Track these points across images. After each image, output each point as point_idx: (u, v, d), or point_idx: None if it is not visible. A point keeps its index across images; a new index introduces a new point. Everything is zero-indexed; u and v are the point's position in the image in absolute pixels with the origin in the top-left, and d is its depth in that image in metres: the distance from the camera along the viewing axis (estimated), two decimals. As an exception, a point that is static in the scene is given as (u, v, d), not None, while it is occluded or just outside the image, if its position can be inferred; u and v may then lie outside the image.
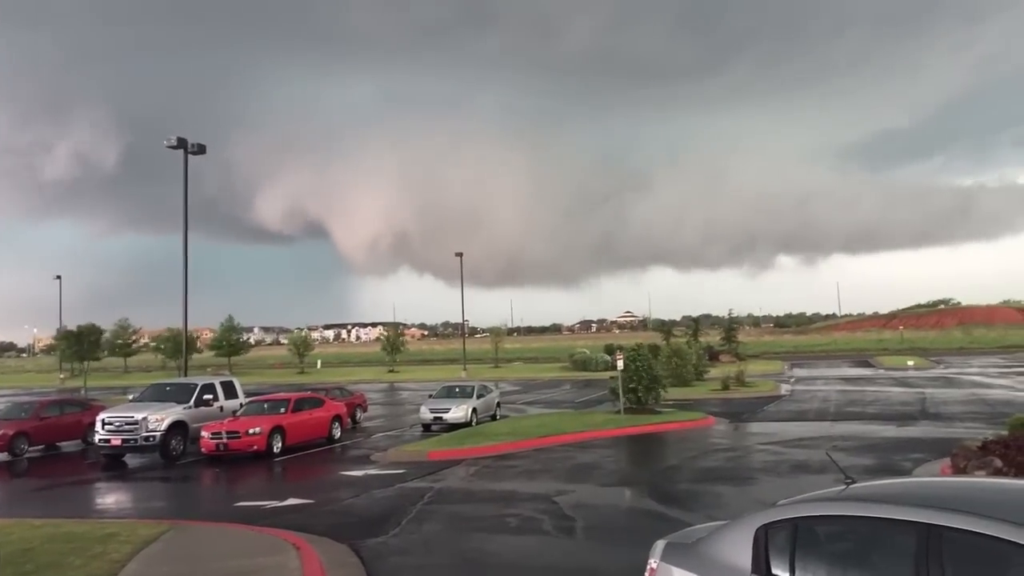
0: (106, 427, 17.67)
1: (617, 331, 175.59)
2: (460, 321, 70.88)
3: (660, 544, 4.65)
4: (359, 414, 25.41)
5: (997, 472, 10.28)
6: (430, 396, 24.13)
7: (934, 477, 9.71)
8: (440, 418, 21.89)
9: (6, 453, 19.32)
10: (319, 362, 73.99)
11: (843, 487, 4.07)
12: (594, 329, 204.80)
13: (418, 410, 23.49)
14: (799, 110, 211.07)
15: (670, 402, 25.76)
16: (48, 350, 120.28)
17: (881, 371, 46.16)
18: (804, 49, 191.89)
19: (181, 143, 22.97)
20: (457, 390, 24.36)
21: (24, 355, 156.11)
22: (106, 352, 75.32)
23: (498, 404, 25.27)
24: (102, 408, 20.44)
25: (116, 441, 17.51)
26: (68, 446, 21.19)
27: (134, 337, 79.91)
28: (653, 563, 4.52)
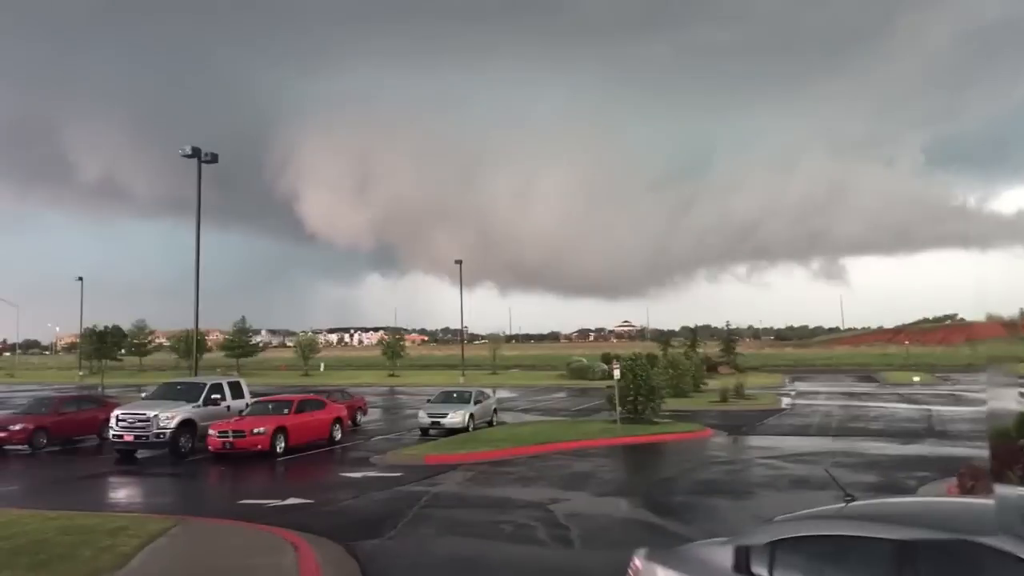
0: (119, 423, 18.04)
1: (615, 340, 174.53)
2: (460, 327, 71.06)
3: (641, 552, 4.71)
4: (359, 417, 25.71)
5: None
6: (428, 401, 24.31)
7: (939, 497, 9.54)
8: (438, 423, 22.08)
9: (27, 446, 19.73)
10: (322, 365, 74.40)
11: (843, 504, 4.01)
12: (592, 338, 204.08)
13: (416, 414, 23.67)
14: (801, 104, 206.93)
15: (667, 413, 25.68)
16: (69, 348, 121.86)
17: (886, 387, 45.62)
18: (813, 39, 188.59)
19: (195, 152, 23.40)
20: (455, 396, 24.49)
21: (47, 353, 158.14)
22: (124, 351, 76.70)
23: (495, 410, 25.40)
24: (117, 405, 20.80)
25: (129, 437, 17.89)
26: (85, 441, 21.52)
27: (150, 337, 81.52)
28: (637, 561, 4.56)
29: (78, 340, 79.94)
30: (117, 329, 73.13)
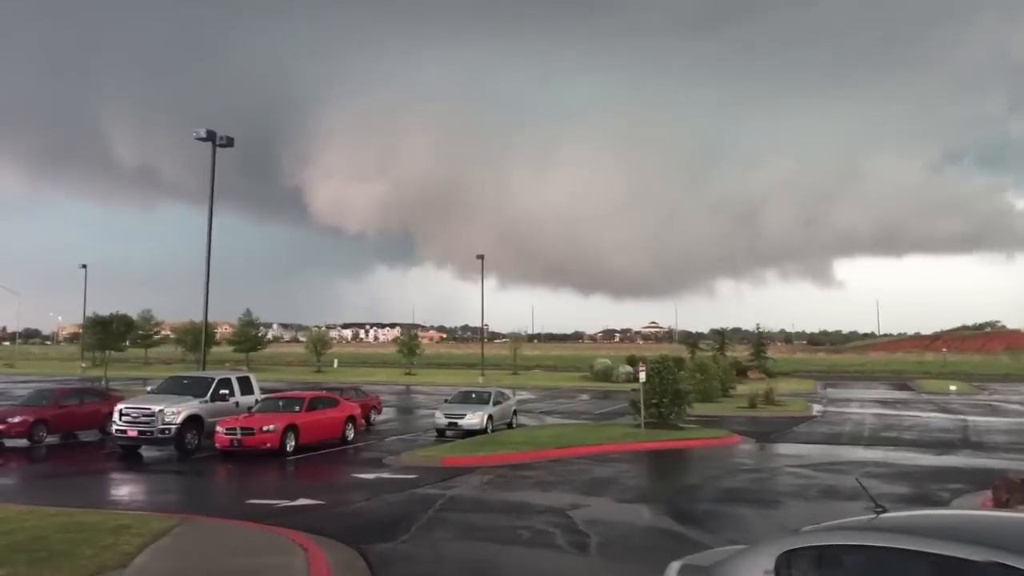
0: (123, 418, 17.72)
1: (641, 342, 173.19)
2: (480, 325, 70.44)
3: (675, 566, 4.50)
4: (373, 416, 25.30)
5: None
6: (446, 401, 23.99)
7: (972, 510, 9.27)
8: (455, 424, 21.69)
9: (25, 440, 19.46)
10: (336, 361, 74.06)
11: (873, 516, 3.90)
12: (617, 339, 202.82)
13: (433, 414, 23.34)
14: (841, 98, 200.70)
15: (693, 418, 25.30)
16: (72, 338, 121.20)
17: (921, 395, 44.91)
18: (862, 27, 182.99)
19: (210, 136, 23.00)
20: (473, 396, 24.13)
21: (48, 342, 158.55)
22: (129, 343, 75.42)
23: (515, 412, 24.96)
24: (120, 399, 20.56)
25: (132, 432, 17.55)
26: (86, 435, 21.27)
27: (156, 328, 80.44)
28: None
29: (80, 330, 78.48)
30: (123, 318, 70.41)
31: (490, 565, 8.81)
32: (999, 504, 10.58)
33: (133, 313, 75.35)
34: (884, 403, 38.33)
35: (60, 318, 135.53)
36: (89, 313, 66.27)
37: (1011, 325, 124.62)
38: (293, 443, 17.68)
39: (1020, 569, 3.01)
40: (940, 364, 77.41)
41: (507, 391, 27.26)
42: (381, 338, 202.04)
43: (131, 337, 73.42)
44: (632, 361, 50.93)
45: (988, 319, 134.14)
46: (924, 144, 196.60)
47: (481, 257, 56.54)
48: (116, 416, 17.92)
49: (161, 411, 17.44)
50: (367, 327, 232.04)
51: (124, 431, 17.64)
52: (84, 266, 62.26)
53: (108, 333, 66.62)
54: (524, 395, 39.30)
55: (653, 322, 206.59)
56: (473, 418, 21.72)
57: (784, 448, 20.68)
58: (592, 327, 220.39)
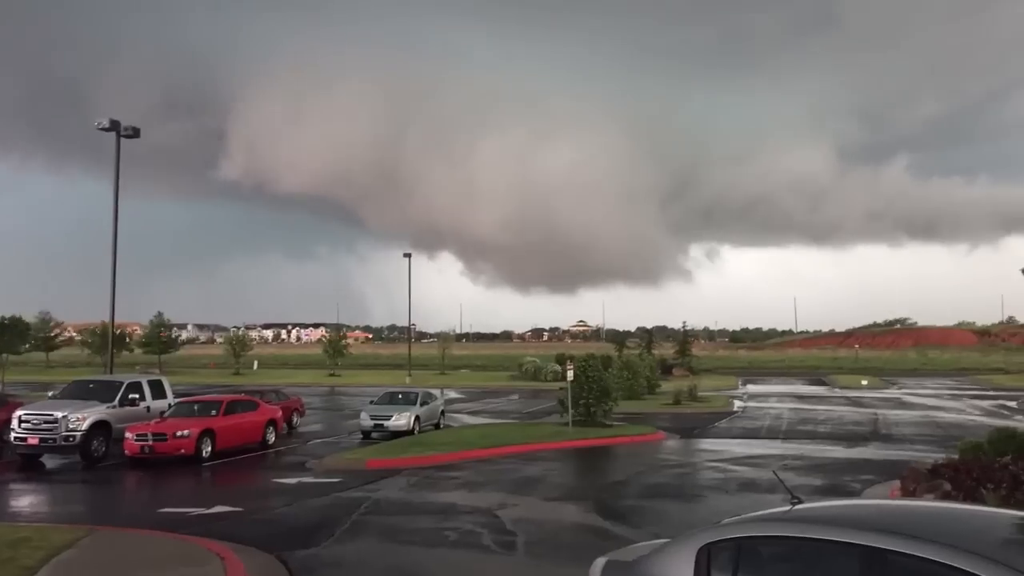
0: (23, 425, 16.70)
1: (569, 341, 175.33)
2: (407, 325, 69.72)
3: (600, 562, 4.53)
4: (296, 419, 24.63)
5: (946, 496, 10.21)
6: (371, 402, 23.60)
7: (881, 500, 9.75)
8: (381, 425, 21.40)
9: None
10: (256, 363, 71.53)
11: (789, 507, 4.04)
12: (546, 338, 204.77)
13: (358, 416, 22.93)
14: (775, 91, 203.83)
15: (620, 415, 25.73)
16: None
17: (835, 390, 46.58)
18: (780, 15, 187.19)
19: (114, 125, 21.71)
20: (400, 397, 23.95)
21: None
22: (28, 346, 70.24)
23: (442, 412, 24.95)
24: (19, 404, 19.23)
25: (33, 440, 16.56)
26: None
27: (56, 330, 74.86)
28: None
29: None
30: (18, 321, 62.84)
31: (416, 567, 8.75)
32: (907, 494, 10.93)
33: (29, 312, 69.62)
34: (800, 398, 39.84)
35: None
36: None
37: (921, 322, 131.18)
38: (210, 449, 17.06)
39: (914, 555, 3.20)
40: (853, 360, 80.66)
41: (435, 391, 27.13)
42: (304, 338, 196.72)
43: (28, 340, 68.00)
44: (560, 360, 51.42)
45: (898, 316, 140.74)
46: (830, 132, 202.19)
47: (408, 255, 56.31)
48: (15, 423, 16.83)
49: (65, 417, 16.49)
50: (289, 327, 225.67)
51: (24, 439, 16.59)
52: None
53: (4, 337, 61.61)
54: (452, 395, 39.23)
55: (581, 321, 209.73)
56: (400, 419, 21.49)
57: (706, 443, 21.30)
58: (521, 326, 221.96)
